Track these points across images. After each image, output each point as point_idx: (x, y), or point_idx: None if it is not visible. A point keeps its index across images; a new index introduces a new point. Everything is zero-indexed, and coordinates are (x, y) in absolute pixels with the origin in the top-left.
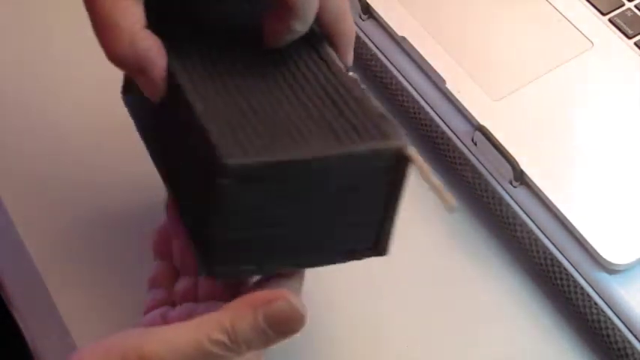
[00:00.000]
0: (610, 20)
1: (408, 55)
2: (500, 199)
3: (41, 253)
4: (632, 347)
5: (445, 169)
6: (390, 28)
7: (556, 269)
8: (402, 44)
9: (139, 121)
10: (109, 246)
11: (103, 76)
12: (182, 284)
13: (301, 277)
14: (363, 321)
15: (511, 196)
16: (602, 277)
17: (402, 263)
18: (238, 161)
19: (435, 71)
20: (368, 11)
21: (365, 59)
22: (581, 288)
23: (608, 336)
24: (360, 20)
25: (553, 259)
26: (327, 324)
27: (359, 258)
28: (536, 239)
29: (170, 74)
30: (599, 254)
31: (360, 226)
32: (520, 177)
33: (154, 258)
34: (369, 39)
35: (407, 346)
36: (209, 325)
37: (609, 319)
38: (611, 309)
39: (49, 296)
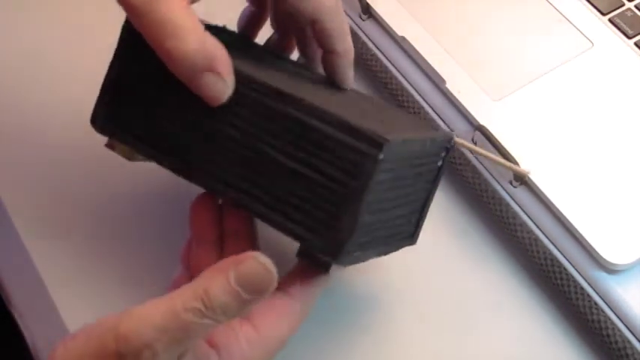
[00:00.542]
0: (610, 20)
1: (408, 55)
2: (500, 199)
3: (41, 254)
4: (632, 347)
5: (445, 169)
6: (390, 28)
7: (556, 269)
8: (402, 44)
9: (148, 139)
10: (110, 246)
11: (103, 73)
12: None
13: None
14: (361, 320)
15: (511, 196)
16: (602, 277)
17: (401, 263)
18: (395, 137)
19: (435, 71)
20: (368, 11)
21: (365, 59)
22: (581, 288)
23: (608, 336)
24: (360, 20)
25: (553, 259)
26: (326, 323)
27: (398, 248)
28: (536, 239)
29: (238, 73)
30: (599, 254)
31: (410, 215)
32: (520, 177)
33: (181, 266)
34: (369, 39)
35: (407, 345)
36: (183, 295)
37: (609, 319)
38: (611, 309)
39: (49, 296)
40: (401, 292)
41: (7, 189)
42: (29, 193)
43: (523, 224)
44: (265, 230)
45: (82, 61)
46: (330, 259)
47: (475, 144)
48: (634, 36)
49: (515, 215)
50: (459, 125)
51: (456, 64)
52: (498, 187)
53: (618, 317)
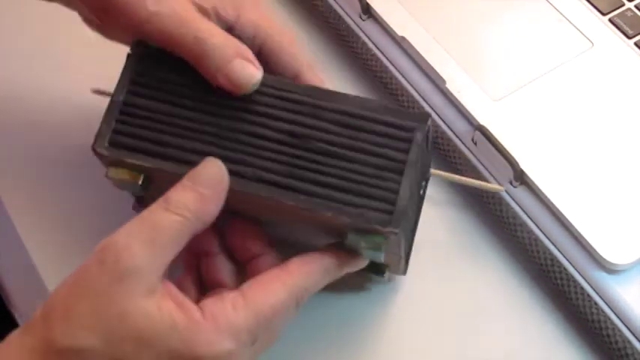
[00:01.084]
0: (610, 20)
1: (408, 55)
2: (500, 199)
3: (41, 253)
4: (632, 347)
5: (445, 169)
6: (390, 28)
7: (556, 269)
8: (402, 44)
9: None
10: None
11: (102, 73)
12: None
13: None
14: (361, 320)
15: (511, 196)
16: (602, 277)
17: None
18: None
19: (435, 71)
20: (368, 11)
21: (365, 59)
22: (581, 288)
23: (608, 336)
24: (360, 20)
25: (553, 259)
26: (326, 323)
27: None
28: (536, 239)
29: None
30: (599, 254)
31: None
32: (520, 177)
33: (184, 268)
34: (369, 39)
35: (407, 345)
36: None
37: (609, 319)
38: (611, 309)
39: (49, 296)
40: (400, 292)
41: (7, 189)
42: (29, 193)
43: (523, 224)
44: None
45: (83, 61)
46: (393, 227)
47: (475, 144)
48: (634, 36)
49: (515, 215)
50: (459, 125)
51: (456, 64)
52: None
53: (618, 317)
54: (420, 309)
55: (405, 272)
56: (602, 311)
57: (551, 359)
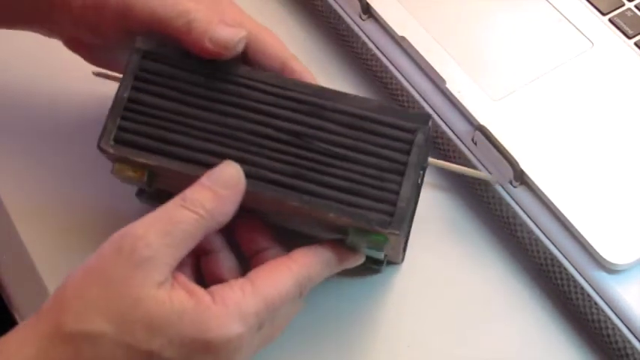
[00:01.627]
0: (610, 20)
1: (408, 55)
2: (500, 199)
3: (41, 253)
4: (632, 347)
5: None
6: (390, 28)
7: (556, 269)
8: (402, 44)
9: (172, 154)
10: None
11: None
12: None
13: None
14: (361, 320)
15: (511, 196)
16: (602, 277)
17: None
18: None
19: (435, 71)
20: (368, 11)
21: (365, 59)
22: (581, 288)
23: (608, 336)
24: (360, 20)
25: (553, 259)
26: (326, 323)
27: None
28: (536, 239)
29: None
30: (599, 254)
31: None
32: (520, 177)
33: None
34: (369, 39)
35: (407, 345)
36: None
37: (609, 319)
38: (611, 309)
39: (49, 296)
40: (400, 292)
41: (7, 189)
42: (29, 193)
43: (523, 224)
44: None
45: (83, 61)
46: (394, 229)
47: (475, 144)
48: (634, 36)
49: (515, 215)
50: (459, 125)
51: (456, 64)
52: (498, 187)
53: (618, 317)
54: (420, 309)
55: (402, 260)
56: (602, 311)
57: (551, 359)
